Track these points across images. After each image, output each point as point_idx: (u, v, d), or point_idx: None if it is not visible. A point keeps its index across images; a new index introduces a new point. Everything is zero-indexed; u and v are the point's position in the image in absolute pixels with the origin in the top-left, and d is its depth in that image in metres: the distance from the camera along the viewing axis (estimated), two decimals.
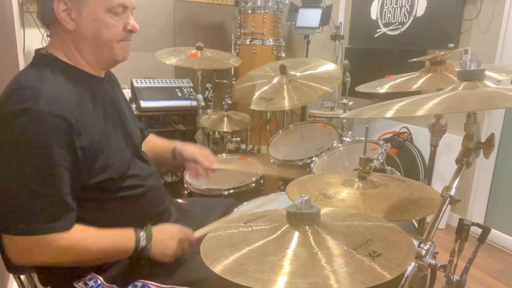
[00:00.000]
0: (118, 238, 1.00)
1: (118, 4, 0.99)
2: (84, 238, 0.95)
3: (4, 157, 0.87)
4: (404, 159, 2.73)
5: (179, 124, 2.90)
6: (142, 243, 1.00)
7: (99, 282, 1.01)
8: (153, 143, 1.40)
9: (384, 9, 3.14)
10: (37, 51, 1.02)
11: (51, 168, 0.88)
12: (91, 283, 1.01)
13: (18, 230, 0.87)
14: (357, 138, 2.02)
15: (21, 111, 0.86)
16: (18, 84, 0.93)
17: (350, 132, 2.20)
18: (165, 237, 1.04)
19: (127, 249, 0.99)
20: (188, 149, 1.38)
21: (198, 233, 1.11)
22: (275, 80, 1.98)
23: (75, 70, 1.02)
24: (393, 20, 3.06)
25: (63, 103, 0.91)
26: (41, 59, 1.00)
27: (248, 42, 2.79)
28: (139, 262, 1.02)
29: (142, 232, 1.02)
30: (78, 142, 0.92)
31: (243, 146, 2.54)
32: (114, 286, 1.02)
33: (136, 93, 2.66)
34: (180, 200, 1.45)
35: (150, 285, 1.02)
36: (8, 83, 0.95)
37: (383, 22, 3.16)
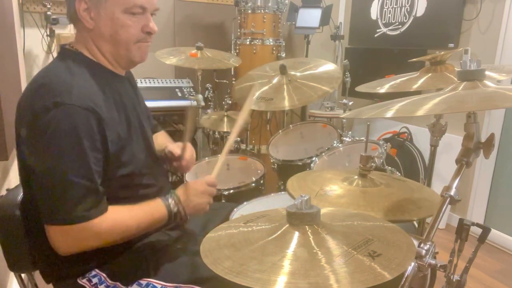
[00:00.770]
0: (152, 210, 1.04)
1: (135, 5, 1.01)
2: (122, 216, 0.99)
3: (41, 150, 0.89)
4: (404, 159, 2.73)
5: (179, 124, 2.89)
6: (174, 209, 1.05)
7: (103, 279, 1.02)
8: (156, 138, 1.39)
9: (384, 9, 3.14)
10: (63, 46, 1.06)
11: (85, 159, 0.90)
12: (95, 280, 1.02)
13: (62, 220, 0.89)
14: (357, 138, 2.02)
15: (54, 104, 0.89)
16: (48, 78, 0.95)
17: (350, 132, 2.20)
18: (191, 196, 1.09)
19: (162, 217, 1.04)
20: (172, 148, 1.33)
21: (215, 173, 1.17)
22: (275, 80, 1.98)
23: (99, 67, 1.05)
24: (393, 20, 3.06)
25: (94, 98, 0.95)
26: (68, 53, 1.04)
27: (248, 42, 2.79)
28: (182, 225, 1.07)
29: (169, 199, 1.06)
30: (108, 136, 0.95)
31: (243, 146, 2.54)
32: (118, 283, 1.02)
33: None
34: None
35: (155, 284, 1.02)
36: (35, 77, 0.98)
37: (383, 22, 3.16)
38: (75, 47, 1.04)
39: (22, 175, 1.00)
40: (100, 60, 1.06)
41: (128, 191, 1.05)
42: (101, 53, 1.05)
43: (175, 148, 1.29)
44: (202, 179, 1.14)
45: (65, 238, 0.92)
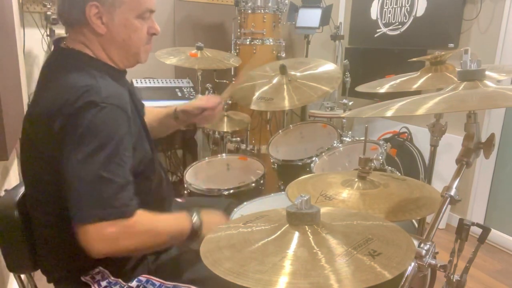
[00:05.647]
0: (178, 221, 1.03)
1: (147, 9, 1.03)
2: (155, 221, 0.98)
3: (75, 149, 0.88)
4: (404, 159, 2.73)
5: None
6: (196, 224, 1.03)
7: (106, 275, 1.02)
8: (153, 112, 1.44)
9: (384, 9, 3.14)
10: (58, 45, 1.03)
11: (118, 155, 0.91)
12: (98, 277, 1.02)
13: (97, 217, 0.87)
14: (357, 138, 2.01)
15: (87, 104, 0.89)
16: (71, 83, 0.93)
17: (350, 132, 2.20)
18: (211, 220, 1.07)
19: (185, 231, 1.01)
20: (189, 104, 1.44)
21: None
22: (275, 80, 1.98)
23: (108, 67, 1.05)
24: (393, 20, 3.06)
25: (120, 96, 0.97)
26: (75, 56, 1.01)
27: (248, 42, 2.79)
28: (192, 243, 1.04)
29: (194, 214, 1.04)
30: (133, 134, 0.97)
31: (243, 146, 2.54)
32: (120, 280, 1.03)
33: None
34: (178, 200, 1.46)
35: (154, 281, 1.03)
36: (56, 87, 0.94)
37: (383, 22, 3.16)
38: (72, 47, 1.02)
39: (31, 175, 0.99)
40: (105, 60, 1.06)
41: (138, 187, 1.01)
42: (106, 55, 1.05)
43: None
44: (221, 215, 1.14)
45: (100, 237, 0.88)
